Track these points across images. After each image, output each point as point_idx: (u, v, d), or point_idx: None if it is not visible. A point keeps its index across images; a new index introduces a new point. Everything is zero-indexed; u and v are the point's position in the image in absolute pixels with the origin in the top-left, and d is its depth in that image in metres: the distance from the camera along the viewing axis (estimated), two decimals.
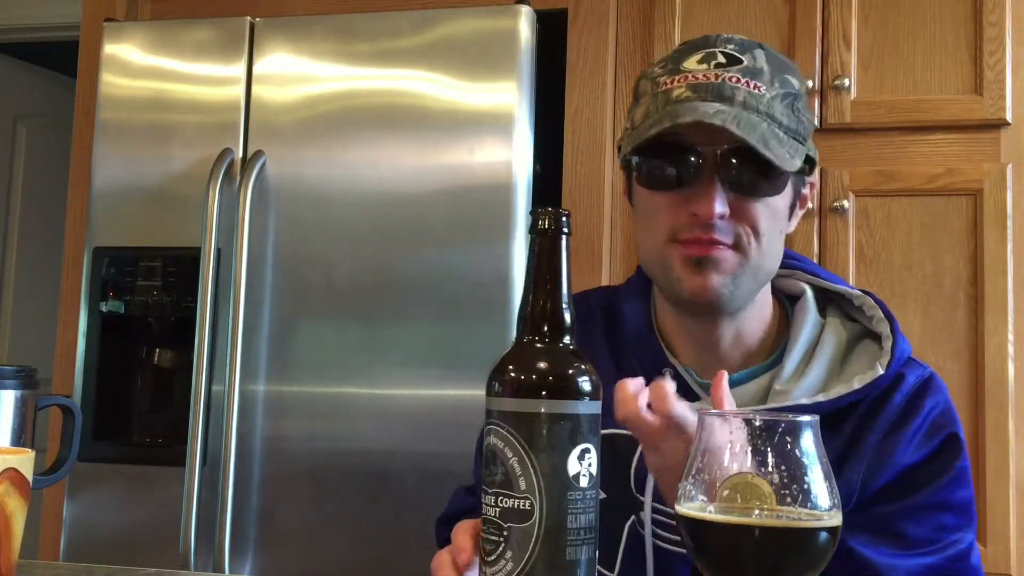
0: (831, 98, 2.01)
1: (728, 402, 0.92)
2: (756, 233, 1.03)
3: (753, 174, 1.01)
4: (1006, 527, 1.84)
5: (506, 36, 2.03)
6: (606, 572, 1.07)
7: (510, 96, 2.01)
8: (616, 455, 1.07)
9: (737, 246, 1.03)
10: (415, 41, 2.08)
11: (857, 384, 1.04)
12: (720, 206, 1.01)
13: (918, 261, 1.95)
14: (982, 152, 1.95)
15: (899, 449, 1.03)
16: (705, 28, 2.10)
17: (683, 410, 0.88)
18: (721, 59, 1.03)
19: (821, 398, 1.04)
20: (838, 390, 1.04)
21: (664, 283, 1.09)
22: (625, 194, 1.15)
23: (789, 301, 1.17)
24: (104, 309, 2.15)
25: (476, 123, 2.02)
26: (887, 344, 1.07)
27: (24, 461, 0.90)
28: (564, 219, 0.79)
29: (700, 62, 1.04)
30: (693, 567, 1.03)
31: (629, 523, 1.07)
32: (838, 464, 0.99)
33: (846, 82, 2.00)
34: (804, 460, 0.70)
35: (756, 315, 1.11)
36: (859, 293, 1.14)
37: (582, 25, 2.16)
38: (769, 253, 1.06)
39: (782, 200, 1.06)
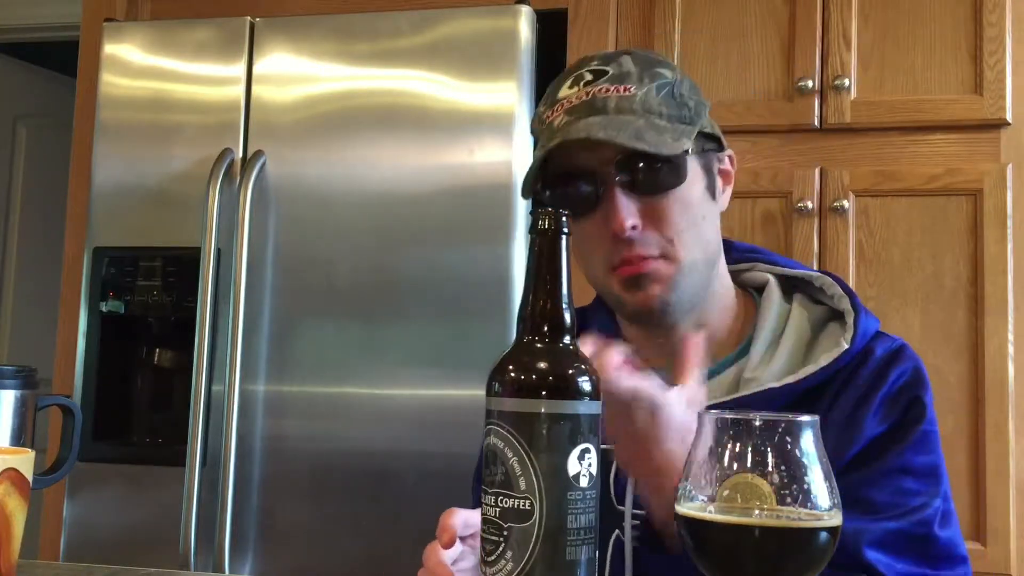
0: (831, 98, 2.01)
1: (697, 361, 0.95)
2: (676, 231, 1.05)
3: (648, 174, 1.03)
4: (1006, 527, 1.84)
5: (506, 36, 2.03)
6: None
7: (510, 96, 2.01)
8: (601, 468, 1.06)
9: (664, 255, 1.05)
10: (415, 41, 2.08)
11: (824, 362, 1.05)
12: (630, 218, 1.03)
13: (918, 261, 1.95)
14: (982, 152, 1.95)
15: (866, 420, 1.03)
16: (705, 28, 2.10)
17: (635, 382, 0.89)
18: (588, 77, 1.07)
19: (790, 380, 1.05)
20: (808, 369, 1.05)
21: (613, 306, 1.13)
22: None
23: (755, 292, 1.18)
24: (104, 309, 2.15)
25: (476, 123, 2.02)
26: (849, 319, 1.08)
27: (24, 461, 0.90)
28: (564, 219, 0.79)
29: (571, 86, 1.08)
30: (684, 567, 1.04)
31: (613, 537, 1.07)
32: None
33: (846, 82, 2.00)
34: (804, 460, 0.70)
35: (716, 307, 1.13)
36: (817, 274, 1.16)
37: (582, 25, 2.16)
38: (698, 245, 1.07)
39: (693, 186, 1.07)
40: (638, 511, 1.06)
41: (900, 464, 1.03)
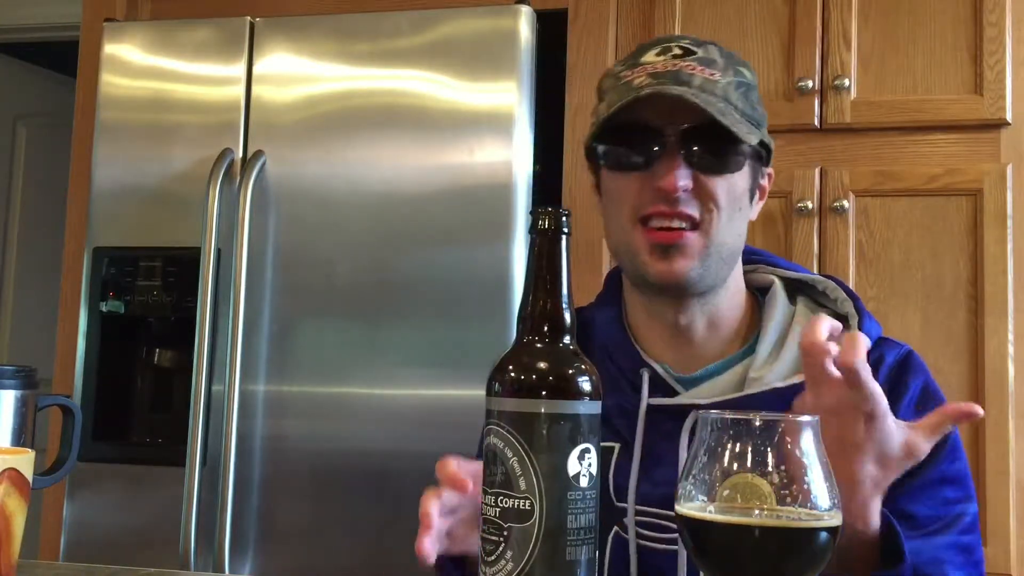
0: (831, 98, 2.01)
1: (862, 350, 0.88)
2: (717, 208, 1.06)
3: (713, 152, 1.05)
4: (1006, 527, 1.84)
5: (506, 36, 2.03)
6: None
7: (510, 96, 2.01)
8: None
9: (700, 225, 1.06)
10: (415, 41, 2.08)
11: None
12: (683, 179, 1.04)
13: (918, 261, 1.95)
14: (982, 152, 1.95)
15: None
16: (705, 28, 2.10)
17: (869, 377, 0.85)
18: (677, 51, 1.08)
19: (796, 380, 1.05)
20: None
21: (631, 268, 1.12)
22: (594, 189, 1.18)
23: (760, 293, 1.19)
24: (104, 309, 2.15)
25: (476, 123, 2.02)
26: (853, 322, 1.10)
27: (24, 461, 0.90)
28: (564, 219, 0.79)
29: (658, 55, 1.09)
30: (690, 564, 1.04)
31: (612, 533, 1.08)
32: None
33: (846, 82, 2.00)
34: (804, 460, 0.70)
35: (727, 300, 1.13)
36: (821, 279, 1.17)
37: (582, 25, 2.16)
38: (731, 230, 1.08)
39: (741, 180, 1.09)
40: (640, 507, 1.07)
41: (938, 475, 1.03)
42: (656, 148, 1.05)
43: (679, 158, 1.05)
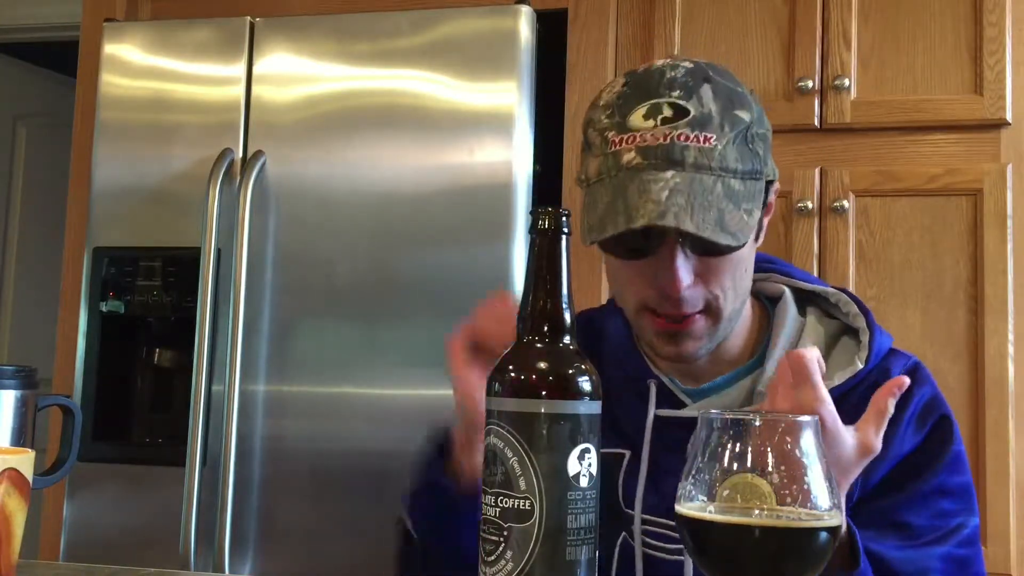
0: (831, 98, 2.01)
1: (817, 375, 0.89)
2: (723, 290, 1.02)
3: (710, 240, 0.97)
4: (1006, 527, 1.84)
5: (506, 36, 2.03)
6: None
7: (510, 96, 2.01)
8: (602, 474, 1.07)
9: (708, 310, 1.03)
10: (415, 41, 2.08)
11: (838, 380, 1.05)
12: (685, 277, 0.99)
13: (918, 261, 1.95)
14: (982, 152, 1.95)
15: (894, 441, 1.03)
16: (705, 28, 2.10)
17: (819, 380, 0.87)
18: (667, 112, 0.98)
19: None
20: None
21: (640, 337, 1.11)
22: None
23: (770, 303, 1.17)
24: (104, 309, 2.15)
25: (476, 123, 2.02)
26: (864, 338, 1.08)
27: (24, 461, 0.90)
28: (564, 219, 0.79)
29: (646, 117, 0.98)
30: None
31: (620, 539, 1.08)
32: None
33: (846, 82, 1.99)
34: (804, 460, 0.70)
35: (735, 329, 1.11)
36: (833, 291, 1.14)
37: (582, 25, 2.16)
38: (740, 296, 1.06)
39: (747, 245, 1.02)
40: (647, 516, 1.07)
41: (936, 485, 1.03)
42: (654, 243, 0.99)
43: (678, 251, 0.99)
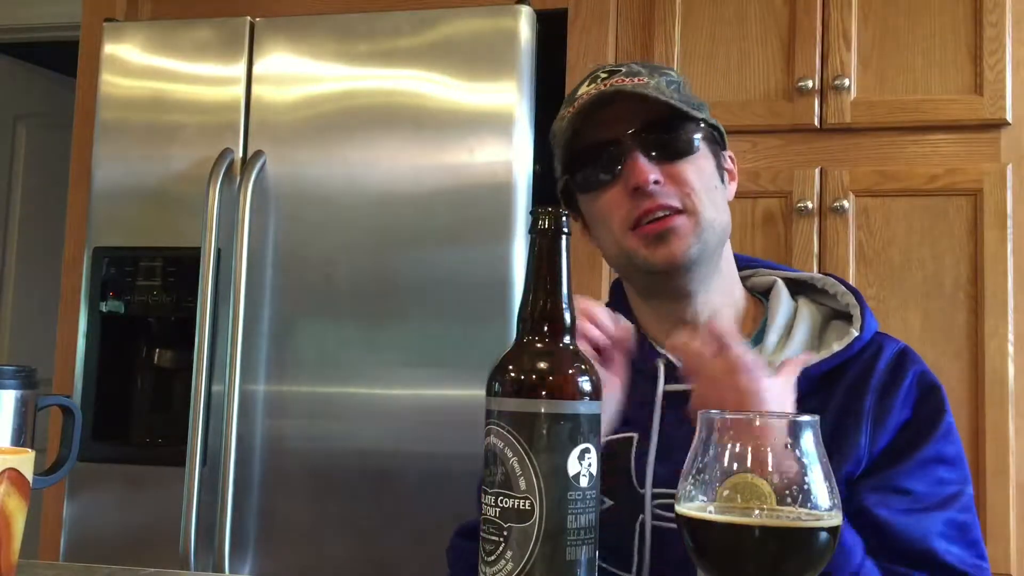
0: (831, 98, 2.01)
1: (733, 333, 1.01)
2: (694, 189, 1.12)
3: (668, 140, 1.12)
4: (1006, 527, 1.84)
5: (506, 36, 2.03)
6: (623, 573, 1.10)
7: (510, 96, 2.01)
8: (615, 459, 1.11)
9: (684, 209, 1.12)
10: (415, 41, 2.08)
11: (837, 347, 1.12)
12: (651, 173, 1.10)
13: (918, 261, 1.95)
14: (982, 152, 1.95)
15: (894, 409, 1.09)
16: (705, 28, 2.10)
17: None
18: (603, 75, 1.15)
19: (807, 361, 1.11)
20: (821, 354, 1.12)
21: (633, 271, 1.18)
22: (583, 232, 1.22)
23: (762, 295, 1.24)
24: (104, 309, 2.15)
25: (476, 123, 2.02)
26: (856, 312, 1.15)
27: (24, 461, 0.90)
28: (564, 219, 0.79)
29: (588, 85, 1.16)
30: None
31: (639, 522, 1.10)
32: (836, 432, 1.08)
33: (846, 82, 1.99)
34: (804, 460, 0.70)
35: (722, 287, 1.19)
36: (820, 276, 1.23)
37: (582, 25, 2.16)
38: (715, 206, 1.14)
39: (705, 161, 1.15)
40: (660, 490, 1.09)
41: (934, 454, 1.08)
42: (616, 156, 1.12)
43: (640, 157, 1.11)
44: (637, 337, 1.18)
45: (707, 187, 1.13)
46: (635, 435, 1.13)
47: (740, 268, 1.24)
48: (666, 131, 1.12)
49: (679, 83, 1.17)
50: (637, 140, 1.11)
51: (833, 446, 1.05)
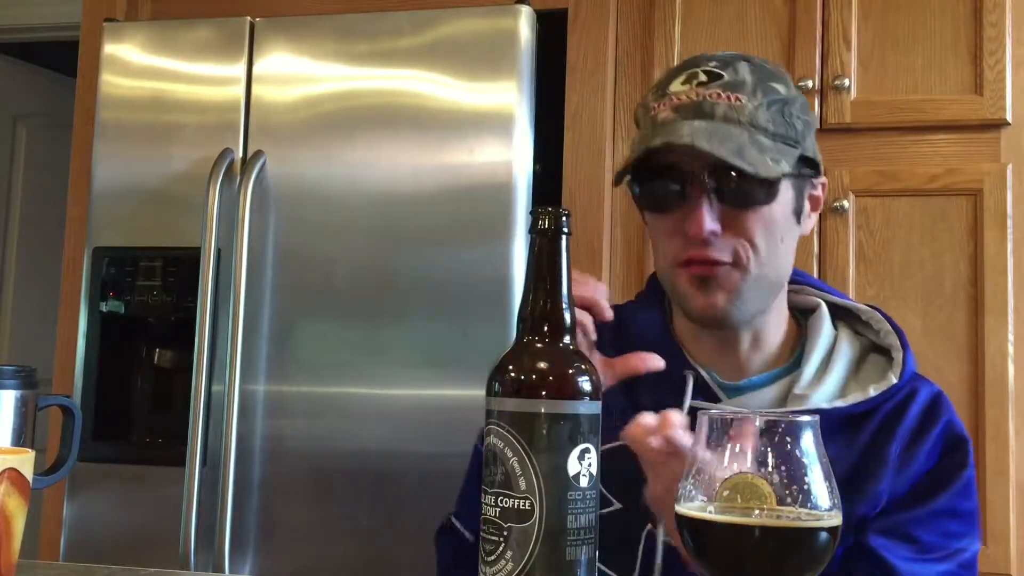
0: (831, 98, 2.01)
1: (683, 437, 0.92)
2: (752, 245, 1.06)
3: (740, 187, 1.03)
4: (1006, 527, 1.84)
5: (506, 36, 2.03)
6: None
7: (510, 96, 2.01)
8: (632, 466, 1.08)
9: (736, 262, 1.06)
10: (415, 41, 2.08)
11: (873, 392, 1.09)
12: (710, 223, 1.04)
13: (918, 261, 1.95)
14: (982, 152, 1.95)
15: (919, 458, 1.08)
16: (705, 28, 2.10)
17: (685, 439, 0.89)
18: (703, 77, 1.06)
19: (840, 403, 1.09)
20: (855, 396, 1.09)
21: (675, 301, 1.14)
22: (641, 214, 1.18)
23: (801, 314, 1.20)
24: (104, 309, 2.15)
25: (476, 123, 2.02)
26: (897, 356, 1.12)
27: (24, 461, 0.90)
28: (564, 219, 0.79)
29: (684, 83, 1.07)
30: None
31: (646, 531, 1.09)
32: (857, 471, 1.06)
33: (846, 82, 1.99)
34: (804, 460, 0.70)
35: (774, 321, 1.15)
36: (867, 308, 1.18)
37: (582, 25, 2.15)
38: (771, 262, 1.08)
39: (780, 207, 1.07)
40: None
41: (948, 507, 1.07)
42: (681, 189, 1.05)
43: (706, 199, 1.04)
44: (669, 344, 1.16)
45: (770, 240, 1.06)
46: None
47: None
48: (743, 178, 1.02)
49: (784, 101, 1.06)
50: (708, 179, 1.03)
51: (852, 487, 1.04)
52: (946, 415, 1.11)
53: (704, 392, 1.12)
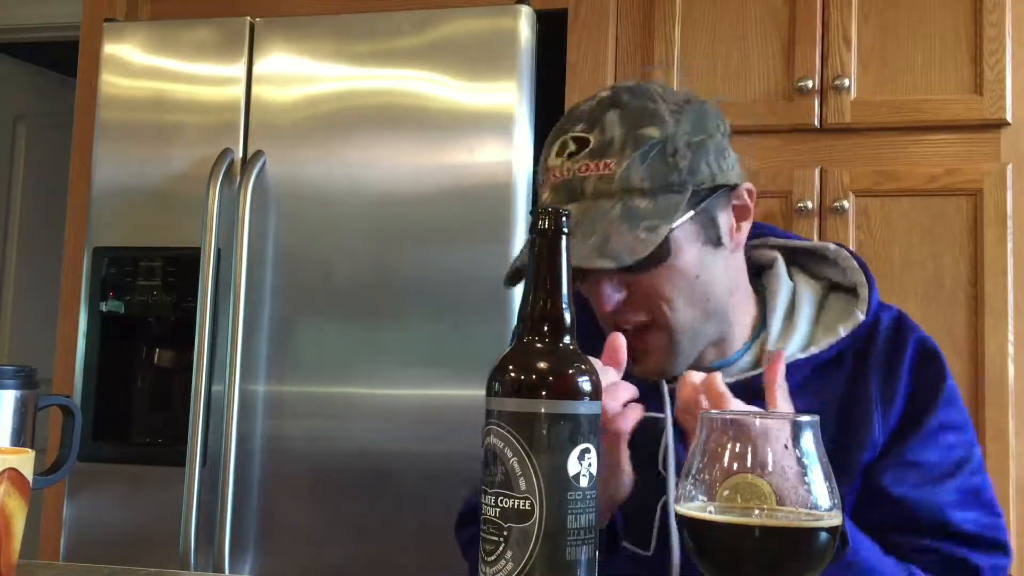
0: (831, 98, 2.01)
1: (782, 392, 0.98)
2: (665, 300, 1.06)
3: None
4: (1006, 527, 1.83)
5: (506, 36, 2.03)
6: (641, 551, 1.10)
7: (510, 96, 2.01)
8: (646, 438, 1.09)
9: (654, 321, 1.07)
10: (415, 41, 2.08)
11: (843, 332, 1.11)
12: (613, 295, 1.05)
13: (918, 261, 1.95)
14: (982, 152, 1.95)
15: (899, 385, 1.10)
16: (705, 28, 2.10)
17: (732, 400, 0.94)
18: (572, 147, 1.05)
19: (814, 350, 1.10)
20: (827, 340, 1.11)
21: None
22: None
23: (759, 272, 1.21)
24: (104, 309, 2.15)
25: (476, 123, 2.02)
26: (863, 292, 1.13)
27: (24, 461, 0.90)
28: (564, 219, 0.78)
29: (557, 155, 1.06)
30: None
31: (661, 502, 1.10)
32: (845, 417, 1.07)
33: (846, 82, 1.99)
34: (804, 460, 0.70)
35: (736, 323, 1.15)
36: (833, 246, 1.19)
37: (582, 25, 2.16)
38: (693, 305, 1.07)
39: (685, 253, 1.05)
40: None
41: (939, 422, 1.09)
42: (581, 272, 1.04)
43: (603, 281, 1.04)
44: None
45: (683, 288, 1.06)
46: (664, 416, 1.11)
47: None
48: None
49: (662, 144, 1.02)
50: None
51: (845, 436, 1.06)
52: (912, 334, 1.13)
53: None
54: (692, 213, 1.05)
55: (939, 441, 1.09)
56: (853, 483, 1.08)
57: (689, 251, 1.06)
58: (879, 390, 1.09)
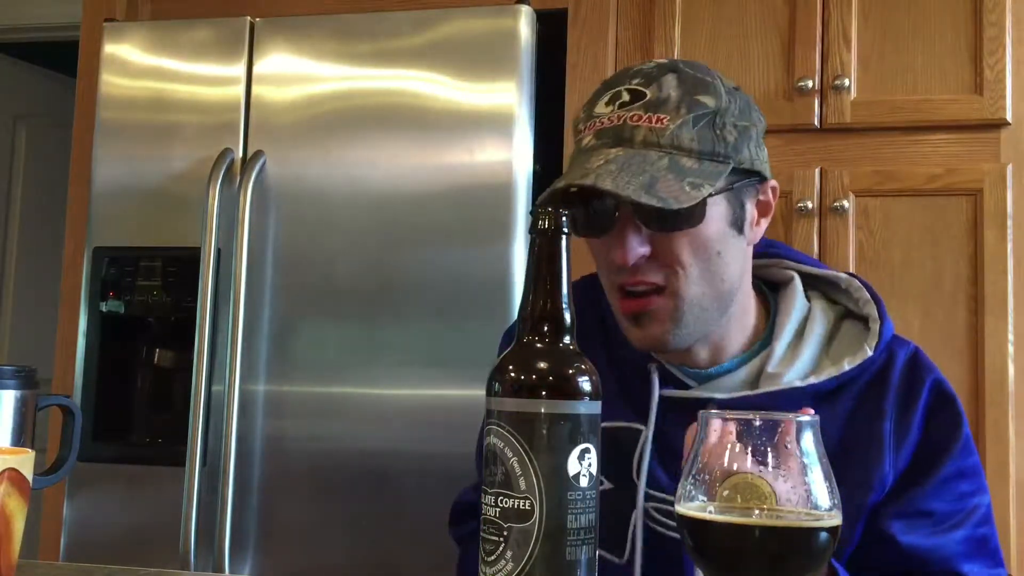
0: (831, 98, 2.01)
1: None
2: (682, 267, 1.04)
3: (663, 213, 1.00)
4: (1006, 527, 1.84)
5: (506, 36, 2.03)
6: (615, 559, 1.09)
7: (510, 96, 2.01)
8: (619, 447, 1.09)
9: (667, 288, 1.04)
10: (415, 41, 2.08)
11: (847, 366, 1.08)
12: (637, 247, 1.02)
13: (918, 261, 1.95)
14: (982, 152, 1.95)
15: (913, 427, 1.07)
16: (705, 29, 2.10)
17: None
18: (625, 97, 1.04)
19: (813, 380, 1.07)
20: (829, 372, 1.08)
21: (618, 321, 1.12)
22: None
23: (772, 287, 1.19)
24: (104, 309, 2.15)
25: (476, 123, 2.02)
26: (875, 326, 1.11)
27: (24, 461, 0.90)
28: (564, 219, 0.78)
29: (607, 104, 1.05)
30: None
31: (634, 513, 1.09)
32: (853, 452, 1.05)
33: (846, 82, 1.99)
34: (804, 460, 0.70)
35: (735, 326, 1.12)
36: (845, 276, 1.17)
37: (582, 25, 2.16)
38: (708, 280, 1.05)
39: (712, 225, 1.04)
40: (656, 493, 1.08)
41: (954, 470, 1.07)
42: (606, 215, 1.03)
43: (631, 224, 1.02)
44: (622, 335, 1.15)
45: (701, 261, 1.04)
46: (643, 429, 1.10)
47: (759, 254, 1.17)
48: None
49: (715, 114, 1.02)
50: (632, 206, 1.01)
51: (847, 472, 1.00)
52: (929, 375, 1.10)
53: (672, 380, 1.12)
54: (731, 189, 1.05)
55: (952, 489, 1.07)
56: (856, 522, 1.05)
57: (718, 223, 1.05)
58: (892, 431, 1.07)
